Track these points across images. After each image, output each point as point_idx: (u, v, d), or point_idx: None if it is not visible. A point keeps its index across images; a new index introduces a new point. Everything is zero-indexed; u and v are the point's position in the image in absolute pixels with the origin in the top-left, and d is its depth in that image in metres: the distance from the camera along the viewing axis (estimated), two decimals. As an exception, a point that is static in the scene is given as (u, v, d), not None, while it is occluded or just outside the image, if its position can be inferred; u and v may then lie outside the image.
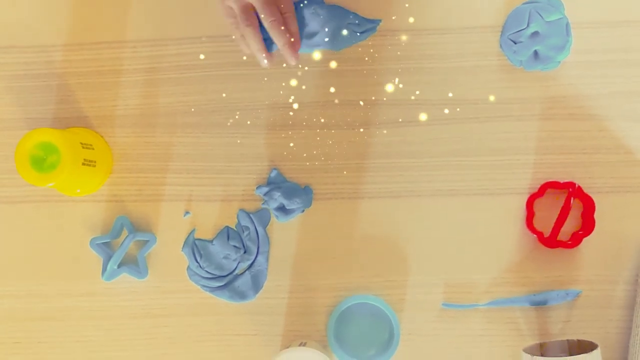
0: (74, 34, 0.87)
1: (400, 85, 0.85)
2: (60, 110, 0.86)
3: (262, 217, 0.84)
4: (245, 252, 0.84)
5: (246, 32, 0.81)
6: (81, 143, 0.80)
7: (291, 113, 0.85)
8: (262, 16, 0.80)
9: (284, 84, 0.86)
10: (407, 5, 0.85)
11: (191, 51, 0.86)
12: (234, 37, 0.83)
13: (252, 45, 0.82)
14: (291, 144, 0.85)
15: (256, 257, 0.84)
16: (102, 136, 0.86)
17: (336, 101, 0.85)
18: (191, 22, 0.86)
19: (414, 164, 0.84)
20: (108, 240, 0.84)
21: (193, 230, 0.85)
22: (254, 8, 0.81)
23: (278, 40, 0.81)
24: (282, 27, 0.81)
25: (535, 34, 0.84)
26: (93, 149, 0.82)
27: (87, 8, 0.87)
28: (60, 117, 0.86)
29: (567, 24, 0.84)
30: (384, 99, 0.85)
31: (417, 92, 0.85)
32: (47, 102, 0.86)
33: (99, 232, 0.85)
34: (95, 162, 0.82)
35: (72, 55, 0.87)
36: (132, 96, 0.86)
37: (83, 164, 0.80)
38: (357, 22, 0.85)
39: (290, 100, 0.85)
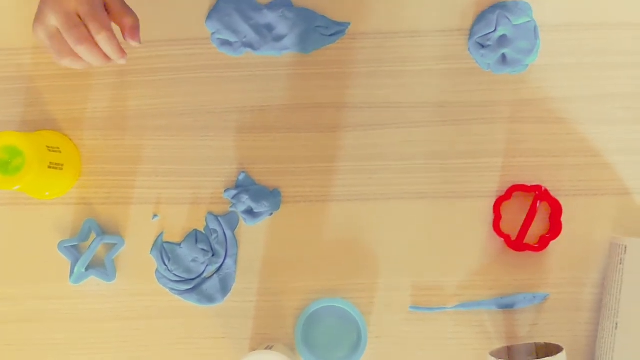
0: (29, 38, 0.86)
1: (369, 88, 0.85)
2: (28, 112, 0.86)
3: (230, 220, 0.84)
4: (213, 255, 0.84)
5: (83, 49, 0.71)
6: (47, 146, 0.80)
7: (260, 116, 0.85)
8: (90, 27, 0.71)
9: (253, 87, 0.86)
10: (376, 8, 0.85)
11: (160, 54, 0.86)
12: (61, 61, 0.73)
13: (98, 56, 0.73)
14: (260, 147, 0.85)
15: (224, 260, 0.84)
16: (70, 139, 0.85)
17: (305, 104, 0.85)
18: (161, 25, 0.86)
19: (383, 167, 0.84)
20: (76, 243, 0.84)
21: (161, 234, 0.85)
22: (79, 16, 0.71)
23: (111, 53, 0.73)
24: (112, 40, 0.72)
25: (503, 37, 0.84)
26: (60, 152, 0.82)
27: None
28: (29, 120, 0.86)
29: (535, 27, 0.84)
30: (353, 101, 0.85)
31: (386, 95, 0.85)
32: (15, 104, 0.86)
33: (68, 234, 0.85)
34: (62, 165, 0.82)
35: (41, 58, 0.87)
36: (101, 99, 0.86)
37: (49, 167, 0.80)
38: (325, 25, 0.85)
39: (259, 103, 0.85)
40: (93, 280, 0.84)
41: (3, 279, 0.85)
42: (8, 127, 0.86)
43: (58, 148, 0.82)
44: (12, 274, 0.85)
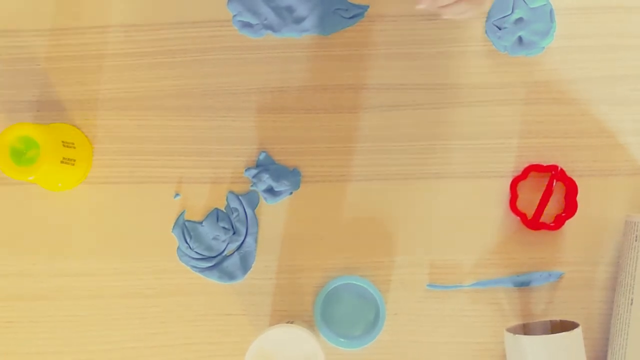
0: (59, 19, 0.88)
1: (387, 70, 0.86)
2: (48, 93, 0.87)
3: (250, 199, 0.86)
4: (234, 233, 0.85)
5: None
6: (63, 141, 0.82)
7: (280, 97, 0.87)
8: None
9: (273, 69, 0.87)
10: (394, -9, 0.87)
11: (182, 36, 0.87)
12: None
13: None
14: (280, 127, 0.86)
15: (245, 238, 0.85)
16: (86, 135, 0.87)
17: (324, 85, 0.86)
18: (182, 7, 0.88)
19: (400, 147, 0.86)
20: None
21: (183, 212, 0.86)
22: None
23: None
24: None
25: (519, 20, 0.86)
26: (74, 147, 0.83)
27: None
28: (50, 100, 0.87)
29: (551, 10, 0.86)
30: (371, 83, 0.86)
31: (404, 77, 0.86)
32: (36, 85, 0.88)
33: (88, 213, 0.86)
34: (74, 160, 0.83)
35: (62, 39, 0.88)
36: (122, 80, 0.87)
37: (62, 162, 0.81)
38: (345, 7, 0.86)
39: (279, 85, 0.87)
40: (113, 259, 0.86)
41: (25, 255, 0.87)
42: (24, 108, 0.87)
43: (73, 144, 0.83)
44: (34, 251, 0.86)
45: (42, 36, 0.88)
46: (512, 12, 0.85)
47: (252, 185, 0.86)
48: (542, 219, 0.84)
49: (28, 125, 0.79)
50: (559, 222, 0.83)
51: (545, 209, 0.83)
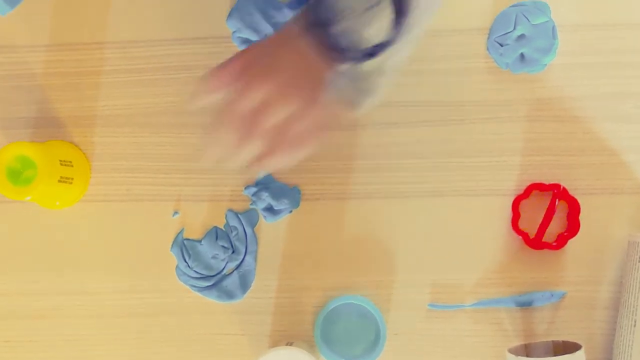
0: (56, 34, 0.87)
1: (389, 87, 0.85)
2: (46, 110, 0.87)
3: (250, 217, 0.85)
4: (233, 252, 0.85)
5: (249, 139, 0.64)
6: (60, 160, 0.81)
7: (280, 114, 0.86)
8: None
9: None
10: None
11: (181, 52, 0.87)
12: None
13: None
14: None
15: (244, 257, 0.85)
16: (83, 152, 0.86)
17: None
18: (181, 23, 0.87)
19: (401, 165, 0.85)
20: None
21: (182, 230, 0.85)
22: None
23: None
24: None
25: (521, 36, 0.85)
26: (72, 166, 0.83)
27: (68, 8, 0.87)
28: (45, 117, 0.87)
29: (553, 27, 0.85)
30: (372, 100, 0.86)
31: (405, 94, 0.85)
32: (30, 102, 0.87)
33: (85, 232, 0.85)
34: (72, 179, 0.82)
35: (57, 55, 0.87)
36: (120, 97, 0.87)
37: (59, 181, 0.80)
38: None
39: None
40: (112, 277, 0.85)
41: (24, 274, 0.86)
42: (21, 125, 0.87)
43: (70, 162, 0.83)
44: (33, 269, 0.86)
45: (38, 52, 0.87)
46: (514, 28, 0.85)
47: (251, 204, 0.85)
48: (544, 237, 0.83)
49: (25, 145, 0.78)
50: (561, 241, 0.83)
51: (548, 227, 0.83)
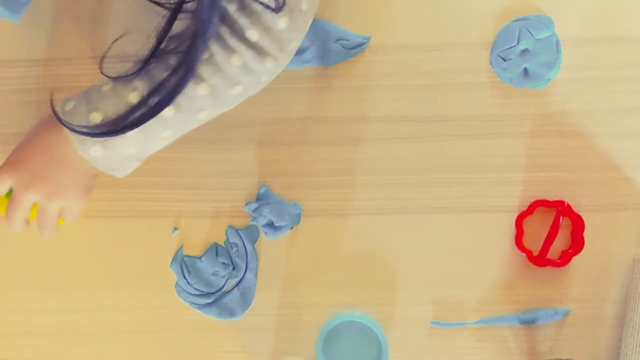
0: (59, 48, 0.86)
1: (390, 102, 0.85)
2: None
3: (250, 233, 0.84)
4: (233, 268, 0.84)
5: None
6: None
7: (281, 129, 0.85)
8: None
9: (273, 100, 0.85)
10: (397, 22, 0.85)
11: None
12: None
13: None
14: (280, 160, 0.85)
15: (245, 273, 0.84)
16: None
17: (326, 117, 0.85)
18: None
19: (404, 181, 0.84)
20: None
21: (181, 247, 0.85)
22: None
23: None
24: None
25: (525, 51, 0.84)
26: None
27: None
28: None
29: (557, 42, 0.84)
30: (374, 115, 0.85)
31: (407, 109, 0.85)
32: (29, 117, 0.85)
33: (86, 248, 0.85)
34: None
35: (55, 70, 0.86)
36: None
37: None
38: (347, 38, 0.85)
39: (280, 116, 0.85)
40: (110, 294, 0.84)
41: (21, 290, 0.85)
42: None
43: None
44: (30, 286, 0.85)
45: (37, 67, 0.86)
46: (518, 43, 0.84)
47: (252, 220, 0.84)
48: (548, 254, 0.82)
49: None
50: (565, 258, 0.82)
51: (552, 245, 0.82)
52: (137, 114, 0.70)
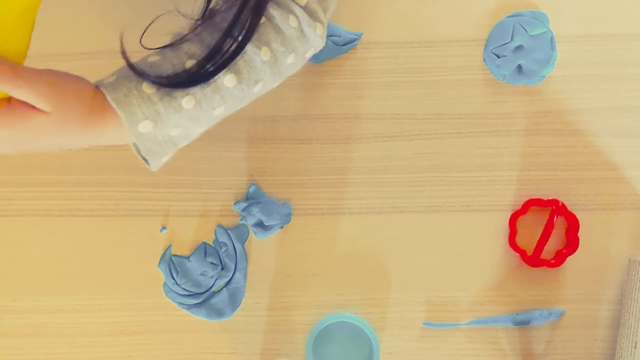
0: (55, 43, 0.85)
1: (382, 99, 0.83)
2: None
3: (240, 233, 0.83)
4: (222, 268, 0.82)
5: None
6: None
7: (271, 127, 0.84)
8: None
9: (264, 97, 0.84)
10: (390, 18, 0.84)
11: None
12: None
13: None
14: (271, 158, 0.83)
15: (234, 274, 0.82)
16: None
17: (317, 115, 0.84)
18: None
19: (396, 180, 0.83)
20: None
21: (169, 247, 0.83)
22: None
23: None
24: None
25: (519, 47, 0.83)
26: None
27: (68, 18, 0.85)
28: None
29: (552, 38, 0.83)
30: (366, 112, 0.83)
31: (400, 106, 0.83)
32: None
33: (72, 247, 0.83)
34: None
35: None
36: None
37: None
38: (338, 34, 0.83)
39: (270, 114, 0.84)
40: (97, 295, 0.83)
41: (5, 292, 0.84)
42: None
43: None
44: (15, 287, 0.83)
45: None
46: (512, 39, 0.82)
47: (241, 219, 0.83)
48: (542, 254, 0.81)
49: None
50: (559, 258, 0.81)
51: (546, 245, 0.80)
52: (204, 70, 0.65)
